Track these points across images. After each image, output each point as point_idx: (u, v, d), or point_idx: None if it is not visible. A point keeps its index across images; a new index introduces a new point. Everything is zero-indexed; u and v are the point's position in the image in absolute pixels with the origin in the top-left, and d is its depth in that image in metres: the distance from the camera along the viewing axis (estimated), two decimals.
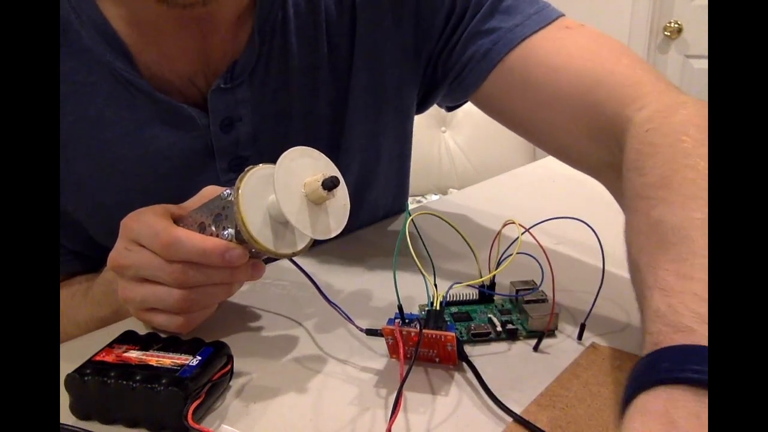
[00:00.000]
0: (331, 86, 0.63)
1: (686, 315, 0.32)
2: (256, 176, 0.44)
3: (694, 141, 0.42)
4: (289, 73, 0.60)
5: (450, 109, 0.72)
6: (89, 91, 0.55)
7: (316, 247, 0.68)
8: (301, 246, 0.46)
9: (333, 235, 0.45)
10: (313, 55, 0.61)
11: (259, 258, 0.47)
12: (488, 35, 0.60)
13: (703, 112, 0.45)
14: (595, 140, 0.54)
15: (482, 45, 0.60)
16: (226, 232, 0.44)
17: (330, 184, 0.43)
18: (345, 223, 0.46)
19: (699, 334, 0.31)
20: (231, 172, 0.61)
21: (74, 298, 0.59)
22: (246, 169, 0.44)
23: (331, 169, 0.45)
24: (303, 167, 0.44)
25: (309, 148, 0.45)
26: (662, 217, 0.38)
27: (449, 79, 0.64)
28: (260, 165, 0.45)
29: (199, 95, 0.58)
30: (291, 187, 0.43)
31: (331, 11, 0.61)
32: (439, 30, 0.63)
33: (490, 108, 0.64)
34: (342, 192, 0.45)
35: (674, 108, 0.47)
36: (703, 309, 0.32)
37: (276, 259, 0.58)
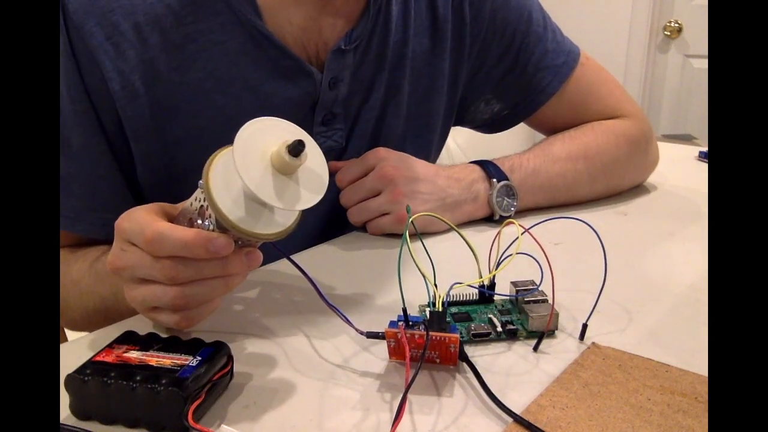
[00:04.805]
0: (402, 73, 0.72)
1: (510, 160, 0.76)
2: (225, 157, 0.42)
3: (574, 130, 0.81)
4: (384, 50, 0.70)
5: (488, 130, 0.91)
6: (219, 49, 0.61)
7: (314, 247, 0.68)
8: (283, 225, 0.43)
9: (307, 205, 0.42)
10: (401, 39, 0.71)
11: (251, 246, 0.45)
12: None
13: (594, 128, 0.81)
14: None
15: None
16: (207, 222, 0.43)
17: (296, 149, 0.40)
18: (321, 194, 0.43)
19: (501, 162, 0.75)
20: (322, 125, 0.69)
21: (83, 261, 0.60)
22: (215, 152, 0.42)
23: (299, 134, 0.42)
24: (269, 136, 0.41)
25: (276, 118, 0.42)
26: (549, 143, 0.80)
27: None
28: (229, 146, 0.42)
29: (307, 59, 0.66)
30: (254, 157, 0.40)
31: (420, 10, 0.72)
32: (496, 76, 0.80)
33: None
34: (316, 160, 0.42)
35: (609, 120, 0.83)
36: (516, 163, 0.75)
37: (279, 257, 0.58)
